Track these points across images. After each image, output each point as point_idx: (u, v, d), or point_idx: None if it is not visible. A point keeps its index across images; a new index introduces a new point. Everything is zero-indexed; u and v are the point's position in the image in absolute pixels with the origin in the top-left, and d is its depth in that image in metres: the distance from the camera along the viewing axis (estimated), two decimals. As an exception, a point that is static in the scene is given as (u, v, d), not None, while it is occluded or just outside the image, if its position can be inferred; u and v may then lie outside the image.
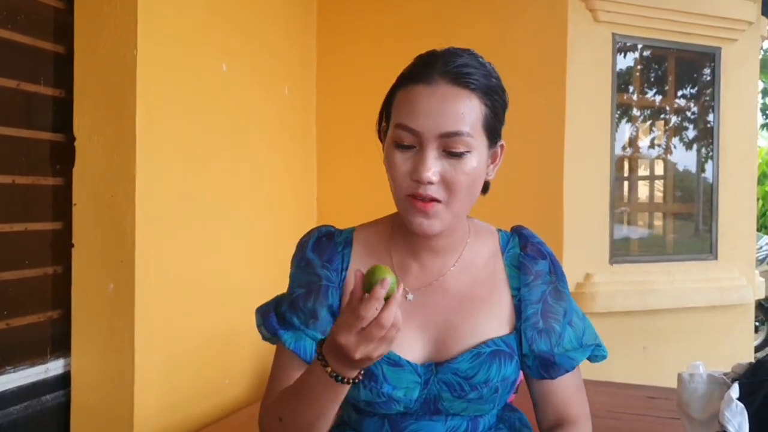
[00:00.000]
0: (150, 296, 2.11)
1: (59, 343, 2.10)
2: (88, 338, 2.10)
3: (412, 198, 1.00)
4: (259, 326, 1.16)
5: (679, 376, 1.90)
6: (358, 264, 1.11)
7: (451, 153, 0.99)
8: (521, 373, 1.15)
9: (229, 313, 2.43)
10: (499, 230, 1.19)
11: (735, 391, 1.74)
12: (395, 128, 1.00)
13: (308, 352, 1.08)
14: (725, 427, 1.69)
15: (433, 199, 0.99)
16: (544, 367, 1.11)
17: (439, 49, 1.06)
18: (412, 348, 1.06)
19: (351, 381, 0.95)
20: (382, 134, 1.09)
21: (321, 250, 1.12)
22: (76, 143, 2.10)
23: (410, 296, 1.07)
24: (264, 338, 1.16)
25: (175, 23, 2.24)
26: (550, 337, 1.11)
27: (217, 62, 2.47)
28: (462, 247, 1.11)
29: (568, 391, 1.16)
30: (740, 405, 1.71)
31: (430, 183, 0.98)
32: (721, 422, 1.70)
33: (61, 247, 2.12)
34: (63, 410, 2.08)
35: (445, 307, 1.08)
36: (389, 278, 0.88)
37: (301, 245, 1.15)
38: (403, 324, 1.02)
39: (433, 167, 0.98)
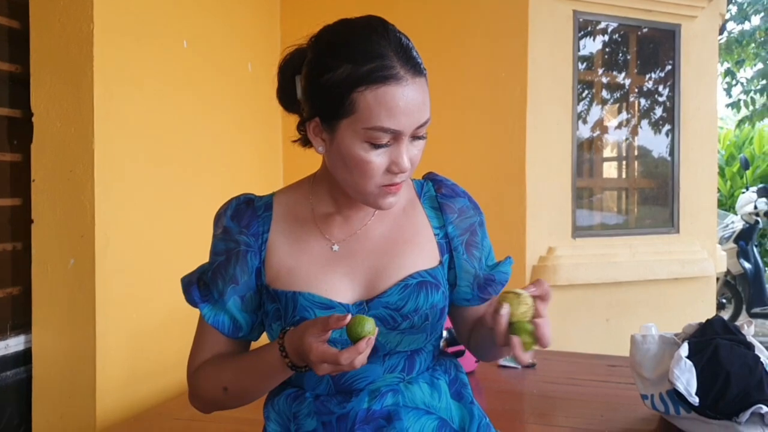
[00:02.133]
0: (111, 271, 2.11)
1: (19, 320, 2.10)
2: (48, 314, 2.10)
3: (386, 187, 1.04)
4: (184, 295, 1.19)
5: (632, 337, 1.95)
6: (280, 224, 1.14)
7: (417, 138, 1.04)
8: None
9: (192, 288, 2.42)
10: (413, 179, 1.23)
11: (684, 349, 1.79)
12: (373, 130, 0.99)
13: (227, 325, 1.13)
14: (674, 384, 1.74)
15: (402, 181, 1.05)
16: (483, 288, 1.18)
17: (371, 23, 1.04)
18: (342, 291, 1.09)
19: (305, 368, 1.01)
20: (317, 128, 1.06)
21: (239, 217, 1.14)
22: (33, 119, 2.09)
23: (336, 247, 1.12)
24: (190, 304, 1.19)
25: (133, -2, 2.23)
26: (474, 262, 1.18)
27: (177, 38, 2.46)
28: None
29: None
30: (689, 363, 1.76)
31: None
32: (671, 380, 1.75)
33: (20, 223, 2.11)
34: (24, 386, 2.08)
35: (370, 252, 1.12)
36: (371, 333, 0.95)
37: (219, 215, 1.18)
38: (330, 270, 1.09)
39: (409, 154, 1.03)
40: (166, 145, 2.40)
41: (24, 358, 2.09)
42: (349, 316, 0.94)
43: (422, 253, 1.14)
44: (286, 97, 1.13)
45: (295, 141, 1.17)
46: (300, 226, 1.14)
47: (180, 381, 2.39)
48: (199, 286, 1.16)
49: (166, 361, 2.35)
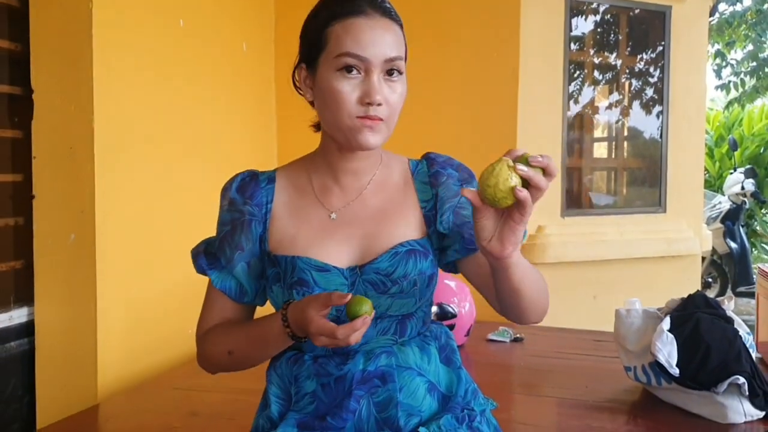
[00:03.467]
0: (111, 246, 2.16)
1: (22, 292, 2.15)
2: (50, 287, 2.15)
3: (361, 119, 1.10)
4: (194, 266, 1.27)
5: (617, 311, 2.02)
6: (282, 195, 1.22)
7: (390, 76, 1.11)
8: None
9: (190, 262, 2.47)
10: (410, 159, 1.30)
11: (666, 323, 1.86)
12: (341, 57, 1.09)
13: (233, 290, 1.22)
14: (656, 356, 1.82)
15: (379, 118, 1.11)
16: (470, 241, 1.19)
17: None
18: (338, 256, 1.17)
19: (304, 339, 1.09)
20: (304, 75, 1.17)
21: (243, 189, 1.22)
22: (34, 96, 2.12)
23: (334, 215, 1.20)
24: (199, 272, 1.27)
25: (131, -24, 2.25)
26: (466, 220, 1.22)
27: (174, 17, 2.49)
28: (375, 170, 1.24)
29: None
30: (670, 336, 1.83)
31: (379, 104, 1.10)
32: (653, 352, 1.83)
33: (21, 198, 2.15)
34: (28, 357, 2.14)
35: (364, 220, 1.20)
36: (368, 313, 1.03)
37: (225, 189, 1.26)
38: (328, 237, 1.17)
39: (381, 90, 1.10)
40: (164, 123, 2.44)
41: (27, 329, 2.14)
42: (350, 296, 1.02)
43: (410, 225, 1.21)
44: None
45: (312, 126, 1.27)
46: (300, 196, 1.22)
47: (179, 352, 2.46)
48: (206, 256, 1.24)
49: (166, 334, 2.41)
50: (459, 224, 1.21)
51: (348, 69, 1.09)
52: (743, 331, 1.92)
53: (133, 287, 2.28)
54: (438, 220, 1.21)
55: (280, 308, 1.15)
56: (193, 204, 2.55)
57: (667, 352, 1.81)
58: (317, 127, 1.24)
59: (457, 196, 1.22)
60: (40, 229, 2.15)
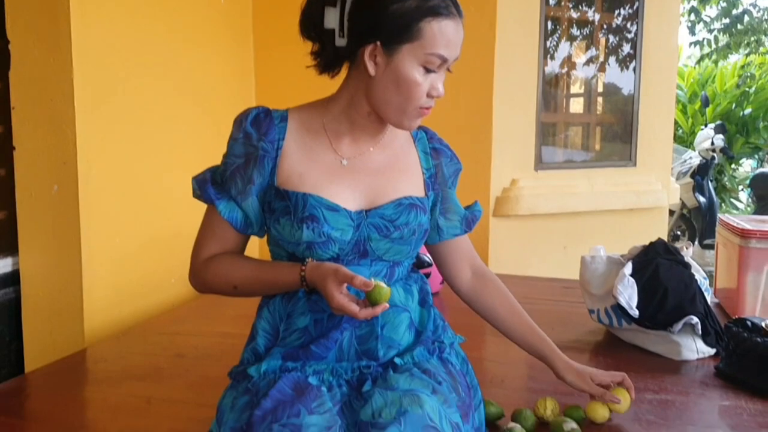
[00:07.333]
0: (95, 195, 2.20)
1: (6, 243, 2.19)
2: (34, 238, 2.19)
3: (422, 109, 1.22)
4: (195, 193, 1.32)
5: (582, 258, 2.12)
6: (294, 134, 1.28)
7: (447, 70, 1.24)
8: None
9: (172, 213, 2.55)
10: None
11: (628, 268, 1.97)
12: (432, 56, 1.18)
13: (239, 221, 1.29)
14: (618, 299, 1.92)
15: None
16: (468, 223, 1.44)
17: None
18: (346, 199, 1.25)
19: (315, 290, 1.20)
20: (376, 52, 1.19)
21: (258, 124, 1.28)
22: (10, 46, 2.13)
23: (345, 161, 1.28)
24: (196, 197, 1.33)
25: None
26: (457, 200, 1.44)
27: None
28: (384, 130, 1.33)
29: (470, 244, 1.50)
30: (631, 280, 1.94)
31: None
32: (614, 295, 1.93)
33: (2, 150, 2.17)
34: (14, 305, 2.20)
35: (372, 171, 1.29)
36: (387, 299, 1.13)
37: (240, 120, 1.30)
38: (337, 180, 1.26)
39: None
40: (144, 71, 2.46)
41: (12, 279, 2.19)
42: (373, 283, 1.11)
43: (413, 184, 1.33)
44: (310, 25, 1.25)
45: (310, 66, 1.30)
46: (312, 138, 1.29)
47: (164, 299, 2.54)
48: (213, 185, 1.30)
49: (150, 281, 2.48)
50: (457, 203, 1.42)
51: (432, 68, 1.19)
52: (699, 275, 2.03)
53: (118, 235, 2.34)
54: (448, 192, 1.40)
55: (284, 240, 1.24)
56: (176, 150, 2.59)
57: (628, 295, 1.92)
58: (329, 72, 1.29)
59: (453, 176, 1.41)
60: (22, 181, 2.18)
